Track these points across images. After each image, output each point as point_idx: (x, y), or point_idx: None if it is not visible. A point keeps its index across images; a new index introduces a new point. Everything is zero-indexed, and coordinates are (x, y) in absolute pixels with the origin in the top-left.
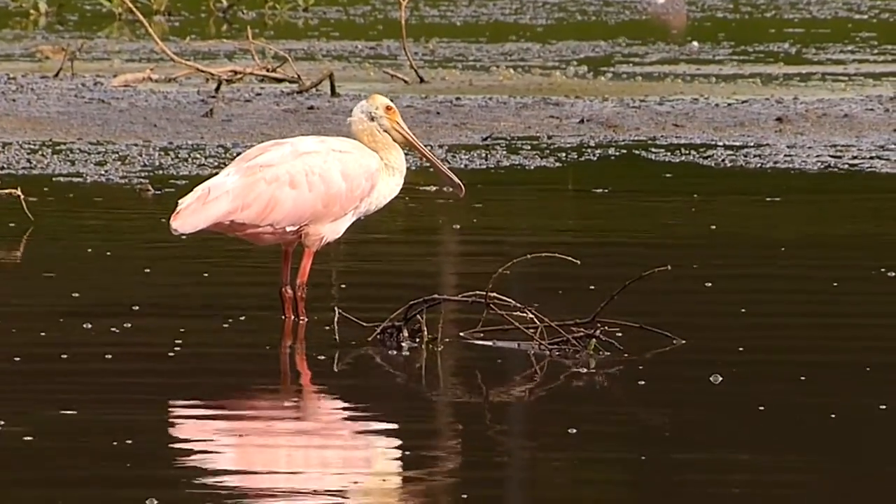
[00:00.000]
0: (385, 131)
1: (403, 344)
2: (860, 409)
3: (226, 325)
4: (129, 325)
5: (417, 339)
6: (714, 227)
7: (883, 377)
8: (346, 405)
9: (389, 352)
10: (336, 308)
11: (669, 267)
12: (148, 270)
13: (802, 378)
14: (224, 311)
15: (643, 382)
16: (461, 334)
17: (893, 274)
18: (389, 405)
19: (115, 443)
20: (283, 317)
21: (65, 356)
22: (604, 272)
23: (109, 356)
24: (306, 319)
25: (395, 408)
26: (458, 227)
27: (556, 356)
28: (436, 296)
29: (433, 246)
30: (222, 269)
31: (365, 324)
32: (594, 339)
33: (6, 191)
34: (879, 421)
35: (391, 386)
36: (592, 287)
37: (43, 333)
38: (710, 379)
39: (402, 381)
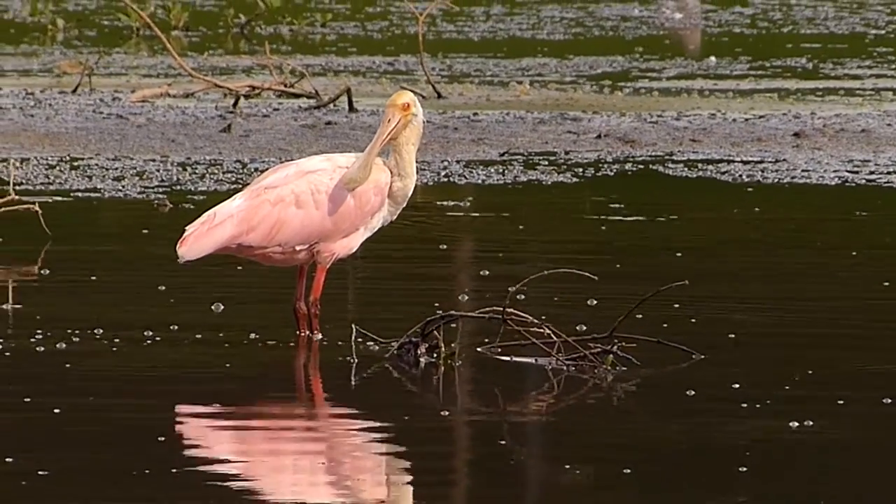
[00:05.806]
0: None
1: (421, 360)
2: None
3: (242, 341)
4: (142, 339)
5: (435, 355)
6: (732, 242)
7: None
8: (362, 420)
9: (406, 367)
10: (353, 325)
11: (687, 282)
12: (162, 287)
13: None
14: (239, 327)
15: (660, 397)
16: (478, 350)
17: None
18: (405, 420)
19: (127, 455)
20: (297, 333)
21: (68, 365)
22: (621, 288)
23: (121, 371)
24: (321, 335)
25: (411, 423)
26: (476, 242)
27: (573, 371)
28: (453, 312)
29: (450, 262)
30: (238, 285)
31: (382, 340)
32: (611, 355)
33: (24, 206)
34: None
35: (408, 401)
36: (610, 303)
37: (60, 345)
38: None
39: (419, 397)
